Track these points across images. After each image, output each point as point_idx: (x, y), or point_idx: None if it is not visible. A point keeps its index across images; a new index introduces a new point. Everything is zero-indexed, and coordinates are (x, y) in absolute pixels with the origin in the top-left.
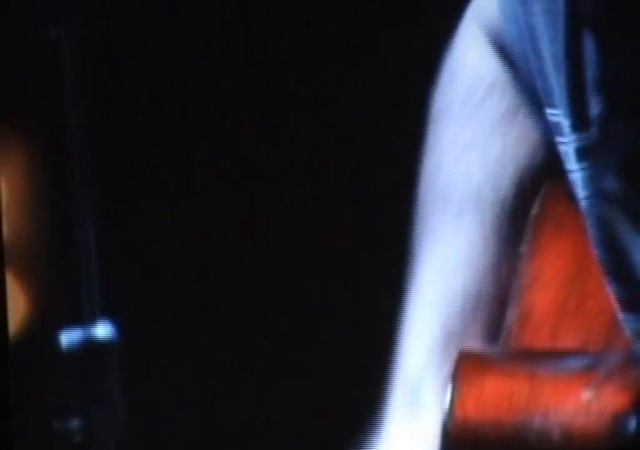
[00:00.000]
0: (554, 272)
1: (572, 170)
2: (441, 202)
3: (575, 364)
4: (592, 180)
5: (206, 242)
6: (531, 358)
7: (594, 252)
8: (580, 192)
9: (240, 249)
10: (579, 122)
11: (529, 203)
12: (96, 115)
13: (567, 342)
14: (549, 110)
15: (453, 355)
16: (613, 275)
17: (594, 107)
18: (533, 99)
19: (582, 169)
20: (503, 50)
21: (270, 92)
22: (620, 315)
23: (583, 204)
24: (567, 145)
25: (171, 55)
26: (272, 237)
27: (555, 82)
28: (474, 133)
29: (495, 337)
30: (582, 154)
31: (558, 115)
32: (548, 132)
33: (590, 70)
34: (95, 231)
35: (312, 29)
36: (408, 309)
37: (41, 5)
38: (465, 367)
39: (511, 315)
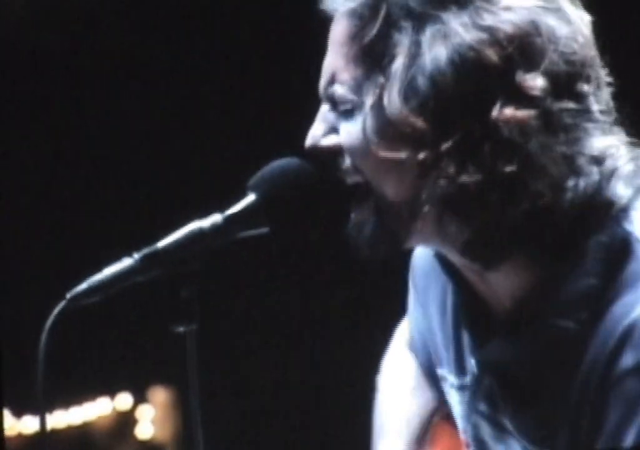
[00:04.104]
0: None
1: (454, 405)
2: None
3: None
4: (470, 403)
5: None
6: None
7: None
8: (462, 411)
9: None
10: (460, 372)
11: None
12: None
13: None
14: (438, 369)
15: None
16: None
17: (468, 366)
18: (429, 369)
19: (461, 398)
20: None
21: None
22: None
23: (463, 422)
24: (454, 389)
25: None
26: None
27: (444, 350)
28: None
29: None
30: (462, 389)
31: (444, 371)
32: (439, 389)
33: (466, 346)
34: None
35: None
36: None
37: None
38: None
39: None
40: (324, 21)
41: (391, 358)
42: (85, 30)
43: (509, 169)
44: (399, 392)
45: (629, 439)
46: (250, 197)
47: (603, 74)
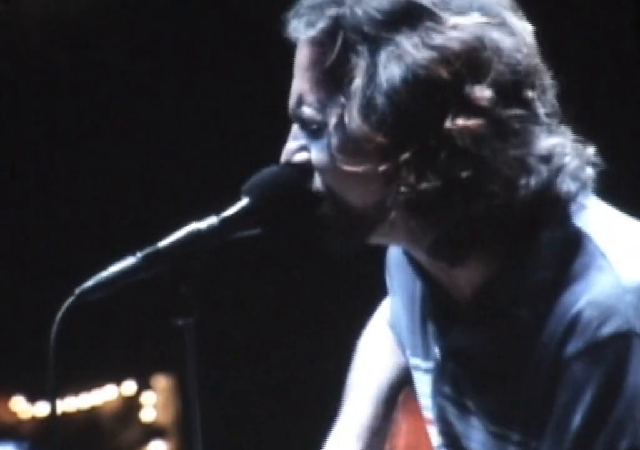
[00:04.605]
0: (405, 438)
1: (419, 386)
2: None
3: None
4: (435, 386)
5: None
6: None
7: (433, 426)
8: (427, 392)
9: None
10: (425, 357)
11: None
12: None
13: None
14: (410, 358)
15: None
16: (445, 441)
17: (433, 352)
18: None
19: (429, 380)
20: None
21: None
22: None
23: (429, 402)
24: (420, 372)
25: None
26: None
27: (411, 336)
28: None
29: None
30: (428, 372)
31: (409, 354)
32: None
33: (431, 333)
34: None
35: None
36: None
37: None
38: None
39: None
40: None
41: (373, 325)
42: (96, 47)
43: (464, 174)
44: (374, 356)
45: (575, 420)
46: (244, 201)
47: (547, 79)
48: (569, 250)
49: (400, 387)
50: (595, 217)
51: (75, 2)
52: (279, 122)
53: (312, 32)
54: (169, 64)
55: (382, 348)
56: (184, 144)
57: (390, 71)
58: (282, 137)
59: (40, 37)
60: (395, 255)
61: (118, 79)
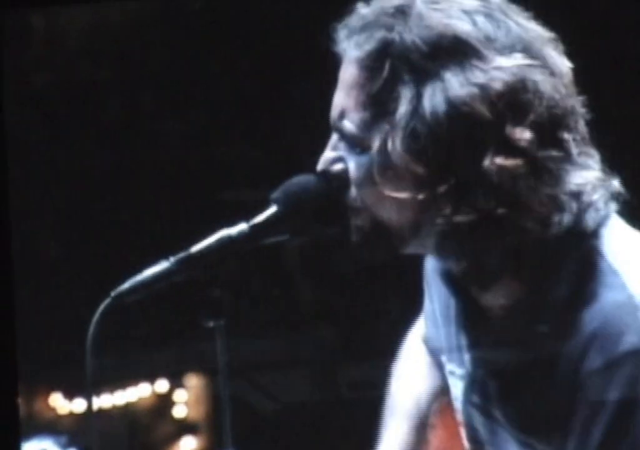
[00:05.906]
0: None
1: (454, 390)
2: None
3: None
4: (465, 394)
5: None
6: None
7: (464, 433)
8: (459, 397)
9: None
10: (459, 363)
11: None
12: None
13: None
14: (446, 365)
15: None
16: (472, 447)
17: (465, 360)
18: (437, 358)
19: (461, 386)
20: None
21: None
22: None
23: (460, 407)
24: (454, 377)
25: None
26: None
27: (448, 343)
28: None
29: None
30: (460, 378)
31: (446, 359)
32: (444, 375)
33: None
34: None
35: None
36: None
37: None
38: None
39: None
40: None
41: (407, 348)
42: (135, 60)
43: (499, 210)
44: (410, 379)
45: (595, 435)
46: (273, 208)
47: (583, 117)
48: (584, 269)
49: (435, 408)
50: (611, 235)
51: (114, 15)
52: (312, 135)
53: (360, 54)
54: (209, 75)
55: (417, 372)
56: (222, 156)
57: (434, 105)
58: (314, 150)
59: (79, 50)
60: (433, 262)
61: (157, 92)
